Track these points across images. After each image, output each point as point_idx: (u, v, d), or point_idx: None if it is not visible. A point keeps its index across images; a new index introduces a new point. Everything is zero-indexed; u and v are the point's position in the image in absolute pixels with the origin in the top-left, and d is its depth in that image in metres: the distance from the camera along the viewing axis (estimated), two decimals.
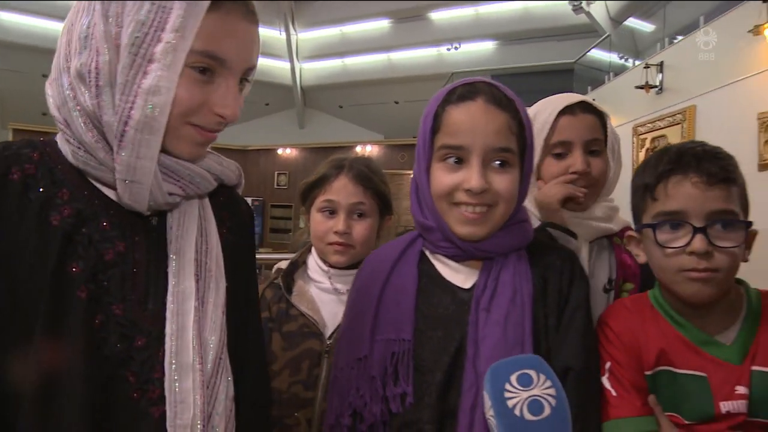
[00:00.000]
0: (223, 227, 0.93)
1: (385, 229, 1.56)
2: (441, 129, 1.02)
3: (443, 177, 1.01)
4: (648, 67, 7.44)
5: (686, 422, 1.02)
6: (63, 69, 0.78)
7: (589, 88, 9.75)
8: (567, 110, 1.33)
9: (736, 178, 1.03)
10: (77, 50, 0.76)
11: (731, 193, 1.02)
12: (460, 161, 1.00)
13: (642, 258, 1.13)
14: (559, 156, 1.33)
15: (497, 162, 1.01)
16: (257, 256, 1.05)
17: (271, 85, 16.12)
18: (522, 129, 1.04)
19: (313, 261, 1.49)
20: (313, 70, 17.44)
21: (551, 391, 0.80)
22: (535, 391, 0.80)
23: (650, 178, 1.06)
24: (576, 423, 0.90)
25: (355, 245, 1.43)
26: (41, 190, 0.78)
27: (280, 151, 13.81)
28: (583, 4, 12.19)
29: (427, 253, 1.09)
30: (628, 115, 8.02)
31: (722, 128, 5.83)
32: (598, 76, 10.24)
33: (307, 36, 17.03)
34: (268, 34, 15.70)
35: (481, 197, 0.99)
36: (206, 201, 0.92)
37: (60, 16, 14.01)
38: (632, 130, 7.73)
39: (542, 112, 1.34)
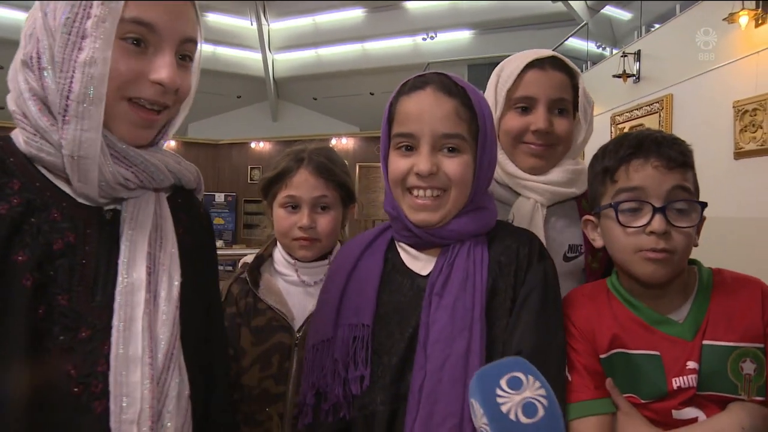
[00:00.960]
0: (180, 227, 0.95)
1: (349, 218, 1.57)
2: (395, 119, 1.07)
3: (396, 163, 1.06)
4: (625, 56, 7.55)
5: (642, 401, 1.06)
6: (17, 64, 0.84)
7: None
8: (536, 64, 1.31)
9: (692, 164, 1.09)
10: (23, 45, 0.84)
11: (688, 177, 1.07)
12: (411, 148, 1.05)
13: (598, 242, 1.17)
14: (522, 110, 1.31)
15: (447, 147, 1.04)
16: (231, 252, 1.06)
17: (243, 77, 16.06)
18: (474, 115, 1.07)
19: (279, 254, 1.50)
20: (285, 61, 17.35)
21: (542, 391, 0.82)
22: (527, 393, 0.81)
23: (611, 161, 1.10)
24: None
25: (321, 238, 1.44)
26: None
27: (253, 145, 13.76)
28: None
29: (397, 243, 1.14)
30: (606, 104, 8.10)
31: (699, 117, 5.94)
32: (576, 65, 10.31)
33: (280, 26, 16.92)
34: (239, 24, 15.67)
35: (431, 180, 1.03)
36: (163, 198, 0.95)
37: (20, 6, 13.84)
38: (610, 119, 7.83)
39: (510, 64, 1.33)
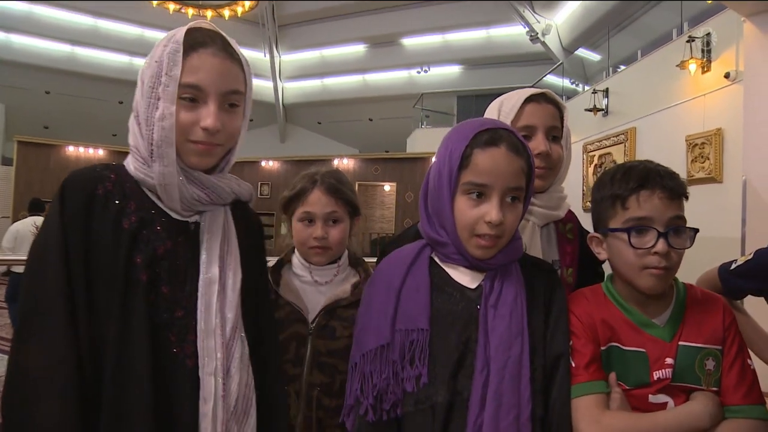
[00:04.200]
0: (240, 233, 1.11)
1: (355, 228, 1.64)
2: (469, 167, 1.06)
3: (468, 210, 1.06)
4: (595, 93, 7.69)
5: (626, 387, 1.11)
6: (132, 114, 1.03)
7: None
8: (533, 98, 1.35)
9: (686, 195, 1.15)
10: (134, 102, 1.02)
11: (682, 206, 1.13)
12: (481, 195, 1.06)
13: (603, 255, 1.21)
14: (524, 138, 1.36)
15: (510, 197, 1.07)
16: None
17: (256, 102, 15.74)
18: (530, 170, 1.11)
19: (296, 259, 1.58)
20: (294, 89, 17.49)
21: None
22: None
23: (621, 190, 1.14)
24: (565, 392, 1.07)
25: (332, 247, 1.52)
26: (117, 202, 0.99)
27: (263, 164, 13.75)
28: (539, 34, 12.49)
29: (436, 259, 1.15)
30: (579, 135, 8.18)
31: (658, 148, 6.09)
32: None
33: (290, 58, 17.09)
34: (254, 56, 15.74)
35: (497, 229, 1.05)
36: (229, 212, 1.10)
37: (60, 38, 14.48)
38: (582, 148, 7.95)
39: (510, 99, 1.37)
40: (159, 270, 0.99)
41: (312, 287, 1.53)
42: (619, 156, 6.87)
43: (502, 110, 1.37)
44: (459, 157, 1.07)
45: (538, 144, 1.32)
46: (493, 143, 1.07)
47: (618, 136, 7.04)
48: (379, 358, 1.06)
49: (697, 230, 1.12)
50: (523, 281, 1.12)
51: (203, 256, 1.03)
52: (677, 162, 5.49)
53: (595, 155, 7.67)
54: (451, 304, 1.10)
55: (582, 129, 8.11)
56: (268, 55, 16.42)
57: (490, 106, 1.41)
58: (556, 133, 1.36)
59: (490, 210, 1.04)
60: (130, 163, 1.03)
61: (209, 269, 1.02)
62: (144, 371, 0.94)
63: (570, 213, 1.45)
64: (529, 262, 1.18)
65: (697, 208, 5.02)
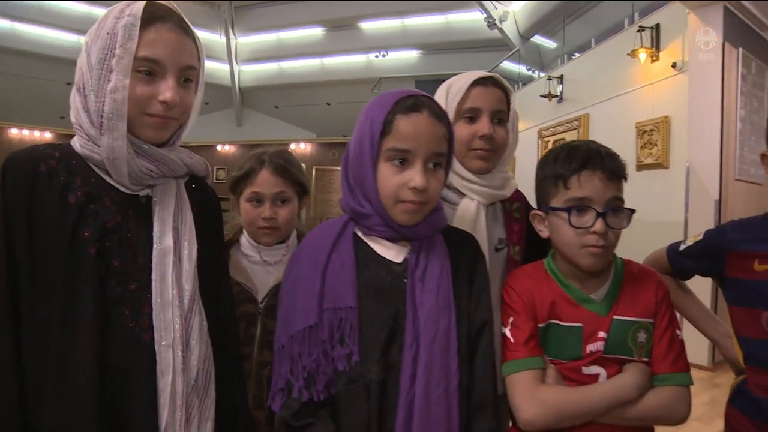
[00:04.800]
0: (195, 206, 1.10)
1: (304, 208, 1.64)
2: (391, 133, 1.06)
3: (391, 177, 1.06)
4: (550, 79, 7.84)
5: (561, 361, 1.16)
6: (74, 89, 1.01)
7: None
8: (479, 82, 1.36)
9: (626, 175, 1.18)
10: (77, 76, 1.00)
11: (621, 186, 1.16)
12: (404, 162, 1.05)
13: (545, 233, 1.24)
14: (470, 120, 1.36)
15: (433, 163, 1.07)
16: None
17: (211, 85, 15.71)
18: (451, 138, 1.13)
19: (245, 239, 1.57)
20: (251, 72, 17.13)
21: None
22: None
23: (563, 170, 1.16)
24: (488, 355, 1.09)
25: (281, 227, 1.53)
26: (62, 178, 0.97)
27: (219, 148, 13.54)
28: (496, 21, 12.59)
29: (360, 234, 1.13)
30: (534, 120, 8.37)
31: (609, 134, 6.25)
32: (509, 84, 10.52)
33: (246, 40, 16.72)
34: (209, 37, 15.34)
35: (422, 195, 1.05)
36: (182, 185, 1.10)
37: (71, 28, 13.93)
38: (537, 134, 8.11)
39: (458, 82, 1.38)
40: (109, 243, 0.98)
41: (261, 267, 1.53)
42: None
43: (450, 92, 1.38)
44: (381, 123, 1.06)
45: (482, 126, 1.34)
46: (415, 109, 1.06)
47: (571, 122, 7.21)
48: (307, 339, 1.05)
49: (633, 211, 1.15)
50: (447, 253, 1.12)
51: (156, 228, 1.02)
52: (627, 148, 5.70)
53: (549, 140, 7.82)
54: (377, 279, 1.09)
55: (537, 115, 8.26)
56: (224, 37, 16.04)
57: (439, 87, 1.43)
58: (501, 116, 1.38)
59: (414, 175, 1.04)
60: (76, 141, 1.02)
61: (162, 240, 1.02)
62: (90, 348, 0.93)
63: (517, 192, 1.48)
64: (452, 233, 1.19)
65: (645, 193, 5.23)
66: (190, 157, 1.11)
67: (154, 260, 1.00)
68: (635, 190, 5.57)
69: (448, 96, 1.38)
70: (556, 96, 7.75)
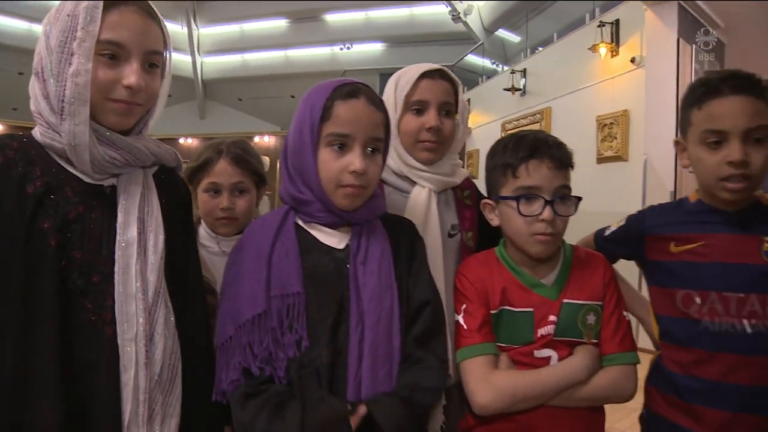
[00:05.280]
0: (163, 197, 1.07)
1: (262, 198, 1.63)
2: (330, 119, 1.08)
3: (332, 161, 1.08)
4: (514, 73, 7.94)
5: (511, 347, 1.19)
6: (33, 75, 0.98)
7: (466, 88, 9.96)
8: (427, 74, 1.38)
9: (572, 164, 1.21)
10: (35, 61, 0.97)
11: (568, 175, 1.19)
12: (344, 147, 1.08)
13: (495, 221, 1.27)
14: (417, 112, 1.38)
15: (371, 149, 1.10)
16: None
17: (173, 77, 14.96)
18: (387, 124, 1.16)
19: (203, 230, 1.56)
20: (213, 64, 16.88)
21: None
22: None
23: (511, 159, 1.19)
24: (433, 338, 1.10)
25: (239, 217, 1.52)
26: (20, 168, 0.94)
27: (181, 141, 13.34)
28: (461, 14, 12.66)
29: (300, 222, 1.15)
30: (498, 113, 8.48)
31: (571, 127, 6.38)
32: (473, 78, 10.58)
33: (209, 31, 16.47)
34: (171, 28, 14.46)
35: (361, 178, 1.08)
36: (149, 174, 1.06)
37: (23, 15, 13.36)
38: (501, 126, 8.18)
39: (406, 74, 1.40)
40: (71, 235, 0.95)
41: (220, 258, 1.49)
42: None
43: (399, 84, 1.40)
44: (321, 109, 1.08)
45: (429, 118, 1.36)
46: (353, 95, 1.09)
47: (534, 115, 7.32)
48: (257, 327, 1.05)
49: (580, 198, 1.19)
50: (387, 237, 1.15)
51: (119, 218, 0.99)
52: (588, 141, 5.83)
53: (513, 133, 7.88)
54: (320, 266, 1.10)
55: (501, 108, 8.36)
56: (185, 28, 15.77)
57: (389, 79, 1.45)
58: (449, 108, 1.40)
59: (354, 159, 1.07)
60: (36, 130, 0.99)
61: (126, 231, 0.99)
62: (51, 342, 0.91)
63: (467, 180, 1.51)
64: (390, 219, 1.22)
65: (605, 185, 5.34)
66: (158, 147, 1.07)
67: (117, 252, 0.97)
68: (596, 182, 5.77)
69: (396, 88, 1.40)
70: (519, 89, 7.85)
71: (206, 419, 1.10)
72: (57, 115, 0.94)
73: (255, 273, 1.08)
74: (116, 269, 0.97)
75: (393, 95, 1.40)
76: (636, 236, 1.35)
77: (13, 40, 13.62)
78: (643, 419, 1.36)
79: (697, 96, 1.21)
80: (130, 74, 0.96)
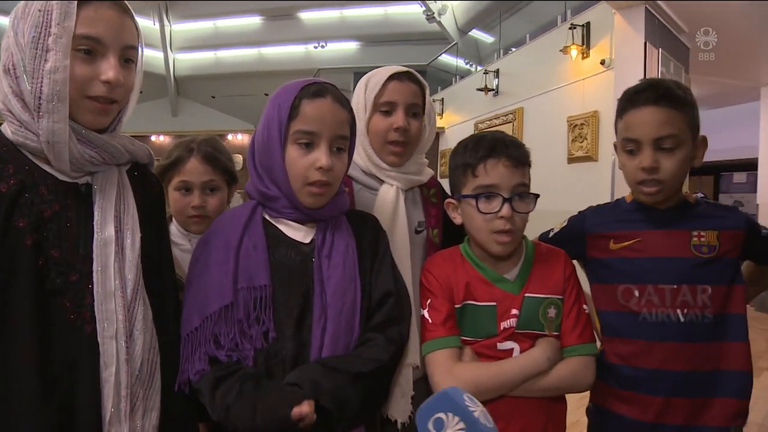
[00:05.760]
0: (138, 194, 1.07)
1: (233, 196, 1.65)
2: (297, 117, 1.11)
3: (299, 159, 1.11)
4: (487, 73, 7.99)
5: (474, 340, 1.23)
6: (0, 72, 0.96)
7: (439, 88, 10.15)
8: (396, 76, 1.42)
9: (530, 162, 1.27)
10: (2, 57, 0.95)
11: (526, 173, 1.25)
12: (310, 145, 1.11)
13: (458, 220, 1.32)
14: (385, 113, 1.42)
15: (337, 147, 1.14)
16: None
17: (145, 74, 14.92)
18: (353, 124, 1.20)
19: (175, 227, 1.56)
20: (186, 60, 16.60)
21: (461, 425, 0.84)
22: (450, 431, 0.83)
23: (471, 159, 1.24)
24: (394, 326, 1.14)
25: (211, 215, 1.52)
26: None
27: (153, 138, 13.18)
28: (435, 14, 12.71)
29: (267, 217, 1.18)
30: (471, 113, 8.53)
31: (543, 127, 6.48)
32: (446, 78, 10.65)
33: (181, 28, 16.18)
34: (142, 24, 14.34)
35: (328, 175, 1.11)
36: (123, 172, 1.07)
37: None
38: (474, 126, 8.21)
39: (375, 76, 1.44)
40: (47, 233, 0.94)
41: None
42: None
43: (368, 86, 1.44)
44: (288, 107, 1.12)
45: (397, 119, 1.41)
46: (319, 94, 1.13)
47: (507, 115, 7.36)
48: (224, 318, 1.07)
49: (537, 195, 1.25)
50: (352, 232, 1.19)
51: (96, 217, 0.99)
52: (560, 141, 5.92)
53: None
54: (287, 260, 1.14)
55: (474, 108, 8.41)
56: (157, 24, 15.47)
57: (359, 82, 1.49)
58: (416, 110, 1.45)
59: (320, 156, 1.10)
60: (6, 128, 0.97)
61: (104, 229, 0.99)
62: (30, 342, 0.90)
63: (433, 179, 1.56)
64: (354, 215, 1.26)
65: (576, 185, 5.41)
66: (132, 144, 1.08)
67: (95, 250, 0.98)
68: (567, 182, 5.85)
69: (366, 89, 1.44)
70: (492, 90, 7.90)
71: (183, 411, 1.11)
72: (33, 113, 0.92)
73: (223, 265, 1.11)
74: (95, 268, 0.97)
75: (363, 96, 1.44)
76: (578, 235, 1.42)
77: None
78: (589, 411, 1.42)
79: (620, 106, 1.32)
80: (108, 69, 0.95)
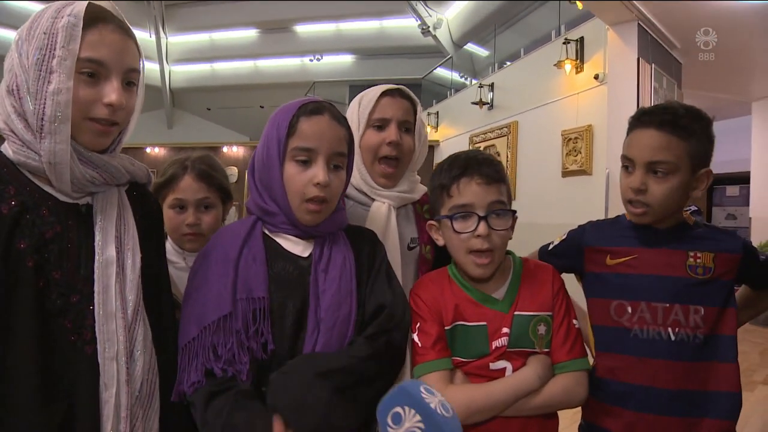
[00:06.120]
0: (137, 214, 1.08)
1: (228, 213, 1.65)
2: (295, 134, 1.14)
3: (297, 175, 1.13)
4: (482, 87, 7.98)
5: (467, 360, 1.22)
6: (3, 92, 0.97)
7: (434, 101, 10.17)
8: (388, 93, 1.46)
9: (505, 179, 1.26)
10: (6, 78, 0.96)
11: (502, 189, 1.24)
12: (308, 162, 1.13)
13: (440, 242, 1.32)
14: (378, 128, 1.45)
15: (335, 164, 1.16)
16: None
17: None
18: (351, 141, 1.21)
19: (169, 245, 1.55)
20: (182, 72, 16.75)
21: (417, 418, 0.83)
22: (407, 425, 0.83)
23: (445, 179, 1.25)
24: (383, 335, 1.12)
25: (205, 233, 1.51)
26: None
27: (148, 150, 13.13)
28: (430, 27, 12.81)
29: (267, 232, 1.19)
30: (465, 127, 8.52)
31: (537, 141, 6.49)
32: (441, 91, 10.64)
33: (177, 40, 16.34)
34: (138, 36, 14.33)
35: (325, 191, 1.12)
36: (123, 192, 1.07)
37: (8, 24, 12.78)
38: (469, 140, 8.22)
39: (369, 93, 1.48)
40: (48, 255, 0.94)
41: (186, 273, 1.46)
42: (502, 148, 7.20)
43: (361, 103, 1.48)
44: (286, 125, 1.14)
45: (390, 134, 1.44)
46: (317, 112, 1.16)
47: (501, 129, 7.36)
48: (222, 329, 1.07)
49: (515, 212, 1.26)
50: (350, 246, 1.20)
51: (97, 238, 0.99)
52: (554, 155, 5.93)
53: (480, 146, 7.88)
54: (285, 273, 1.14)
55: (468, 121, 8.40)
56: (154, 36, 15.61)
57: (353, 100, 1.52)
58: (408, 126, 1.48)
59: (318, 172, 1.12)
60: (7, 147, 0.97)
61: (105, 250, 0.99)
62: (31, 363, 0.90)
63: (426, 195, 1.54)
64: (353, 230, 1.27)
65: (570, 198, 5.41)
66: (132, 164, 1.09)
67: (97, 271, 0.98)
68: (561, 195, 5.85)
69: (359, 107, 1.47)
70: (487, 103, 7.89)
71: (180, 429, 1.10)
72: (36, 134, 0.93)
73: (222, 276, 1.11)
74: (96, 289, 0.97)
75: (356, 113, 1.47)
76: (576, 249, 1.42)
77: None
78: (581, 429, 1.42)
79: (629, 123, 1.33)
80: (111, 92, 0.96)
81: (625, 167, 1.32)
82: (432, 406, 0.84)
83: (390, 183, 1.47)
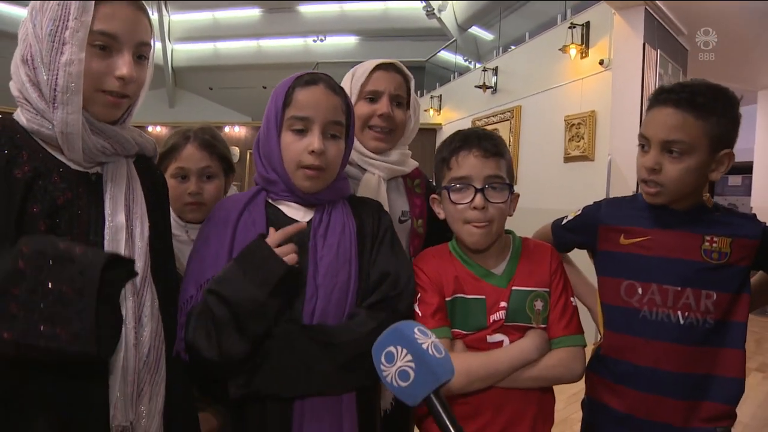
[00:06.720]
0: (144, 186, 1.09)
1: (230, 187, 1.65)
2: (291, 104, 1.16)
3: (293, 144, 1.16)
4: (485, 70, 7.97)
5: (465, 332, 1.25)
6: (18, 61, 0.99)
7: (437, 84, 10.14)
8: (381, 66, 1.48)
9: (505, 154, 1.28)
10: (21, 47, 0.98)
11: (500, 164, 1.26)
12: (304, 131, 1.16)
13: (442, 215, 1.34)
14: (370, 100, 1.48)
15: (330, 134, 1.18)
16: None
17: None
18: (349, 111, 1.23)
19: (172, 219, 1.49)
20: (184, 51, 16.69)
21: (409, 358, 0.85)
22: (399, 364, 0.85)
23: (446, 153, 1.29)
24: (387, 303, 1.14)
25: (207, 203, 1.51)
26: (6, 152, 0.94)
27: (150, 129, 13.13)
28: (435, 10, 12.72)
29: (270, 200, 1.22)
30: (468, 110, 8.52)
31: (540, 126, 6.49)
32: (445, 74, 10.65)
33: (180, 18, 16.26)
34: None
35: (321, 159, 1.15)
36: (131, 163, 1.09)
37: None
38: (471, 123, 8.15)
39: (362, 66, 1.50)
40: (59, 220, 0.96)
41: (188, 246, 1.45)
42: (505, 132, 7.17)
43: (355, 75, 1.50)
44: (283, 96, 1.17)
45: (382, 106, 1.47)
46: (312, 82, 1.19)
47: (504, 113, 7.35)
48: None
49: (511, 185, 1.27)
50: (352, 214, 1.22)
51: (107, 205, 1.01)
52: (557, 140, 5.93)
53: None
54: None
55: (472, 105, 8.39)
56: (156, 14, 15.48)
57: (348, 72, 1.54)
58: (400, 99, 1.51)
59: (313, 140, 1.15)
60: (21, 115, 0.99)
61: (115, 217, 1.01)
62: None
63: (417, 170, 1.60)
64: (356, 200, 1.30)
65: (572, 184, 5.41)
66: (141, 137, 1.11)
67: (107, 237, 0.99)
68: (563, 181, 5.84)
69: (353, 79, 1.50)
70: (491, 87, 7.87)
71: (184, 397, 1.13)
72: (49, 103, 0.95)
73: (220, 238, 1.15)
74: None
75: (349, 85, 1.49)
76: (591, 225, 1.42)
77: (15, 27, 13.15)
78: (584, 404, 1.44)
79: (649, 102, 1.30)
80: (123, 65, 0.97)
81: (641, 146, 1.30)
82: (424, 346, 0.86)
83: (383, 146, 1.49)
